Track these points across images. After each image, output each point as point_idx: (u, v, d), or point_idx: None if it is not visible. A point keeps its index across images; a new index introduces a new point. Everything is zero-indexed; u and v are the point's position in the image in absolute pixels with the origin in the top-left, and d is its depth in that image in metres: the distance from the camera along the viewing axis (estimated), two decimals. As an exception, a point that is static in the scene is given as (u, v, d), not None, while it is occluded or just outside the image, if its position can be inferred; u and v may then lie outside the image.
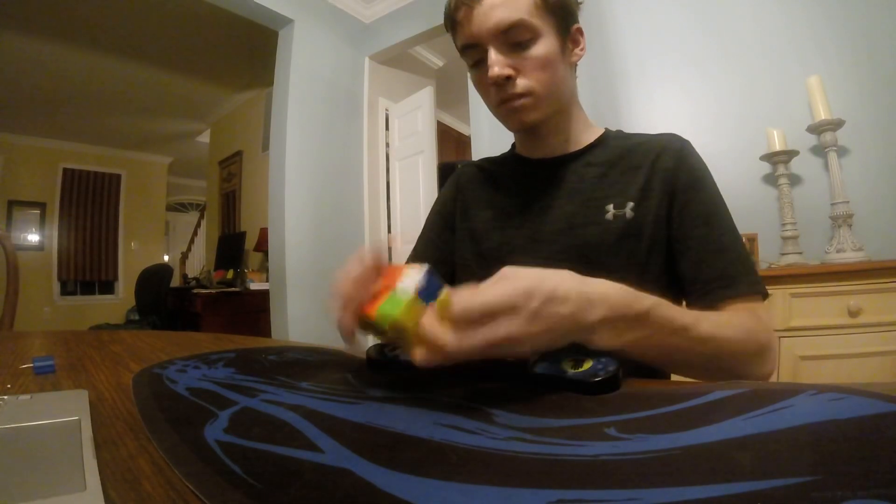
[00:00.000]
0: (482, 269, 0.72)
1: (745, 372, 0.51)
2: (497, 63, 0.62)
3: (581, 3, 0.70)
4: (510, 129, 0.72)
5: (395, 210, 3.55)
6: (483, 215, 0.77)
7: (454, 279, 0.80)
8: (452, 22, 0.67)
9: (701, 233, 0.62)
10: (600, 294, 0.40)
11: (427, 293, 0.40)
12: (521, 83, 0.64)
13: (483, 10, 0.61)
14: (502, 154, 0.84)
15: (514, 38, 0.62)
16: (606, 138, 0.74)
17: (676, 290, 0.66)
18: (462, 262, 0.78)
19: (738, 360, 0.51)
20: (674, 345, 0.45)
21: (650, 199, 0.65)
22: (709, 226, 0.62)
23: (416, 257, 0.82)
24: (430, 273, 0.41)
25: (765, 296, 0.60)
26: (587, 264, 0.64)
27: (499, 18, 0.61)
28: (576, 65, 0.72)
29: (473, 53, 0.66)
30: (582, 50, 0.70)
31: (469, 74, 0.70)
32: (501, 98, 0.65)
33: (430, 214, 0.87)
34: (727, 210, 0.64)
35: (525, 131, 0.73)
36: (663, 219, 0.65)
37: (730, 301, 0.58)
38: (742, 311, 0.57)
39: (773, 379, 0.52)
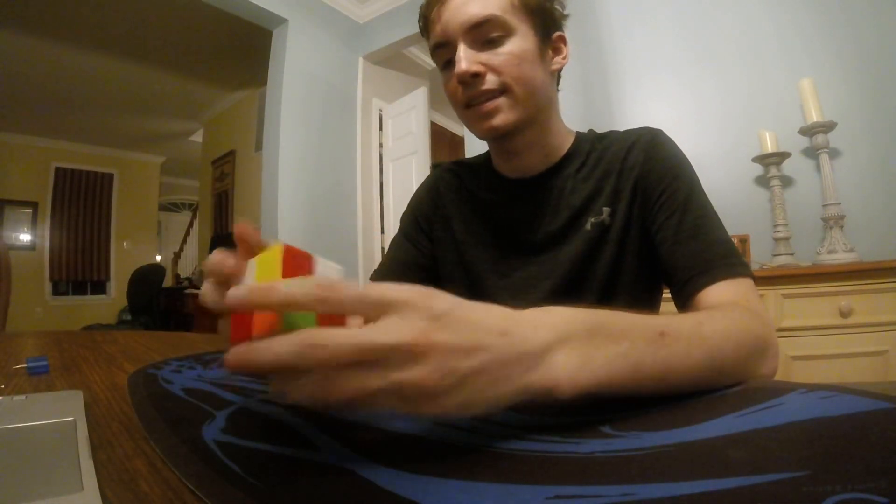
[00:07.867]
0: (468, 279, 0.72)
1: (745, 373, 0.40)
2: (465, 59, 0.58)
3: (567, 15, 0.67)
4: (479, 136, 0.65)
5: (388, 210, 3.54)
6: (465, 228, 0.74)
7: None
8: (426, 21, 0.64)
9: (676, 220, 0.58)
10: (540, 312, 0.30)
11: None
12: (492, 79, 0.59)
13: (455, 5, 0.59)
14: (477, 159, 0.78)
15: (486, 35, 0.58)
16: (580, 144, 0.70)
17: (649, 296, 0.67)
18: (446, 273, 0.76)
19: (734, 362, 0.39)
20: (660, 360, 0.33)
21: (621, 200, 0.63)
22: (684, 212, 0.59)
23: (391, 258, 0.79)
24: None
25: (748, 279, 0.54)
26: (572, 278, 0.64)
27: (470, 14, 0.58)
28: (557, 74, 0.67)
29: (444, 53, 0.62)
30: (564, 59, 0.66)
31: (442, 79, 0.65)
32: (469, 98, 0.60)
33: (405, 215, 0.82)
34: (705, 196, 0.61)
35: (496, 141, 0.67)
36: (637, 217, 0.63)
37: (708, 286, 0.53)
38: (728, 307, 0.49)
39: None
